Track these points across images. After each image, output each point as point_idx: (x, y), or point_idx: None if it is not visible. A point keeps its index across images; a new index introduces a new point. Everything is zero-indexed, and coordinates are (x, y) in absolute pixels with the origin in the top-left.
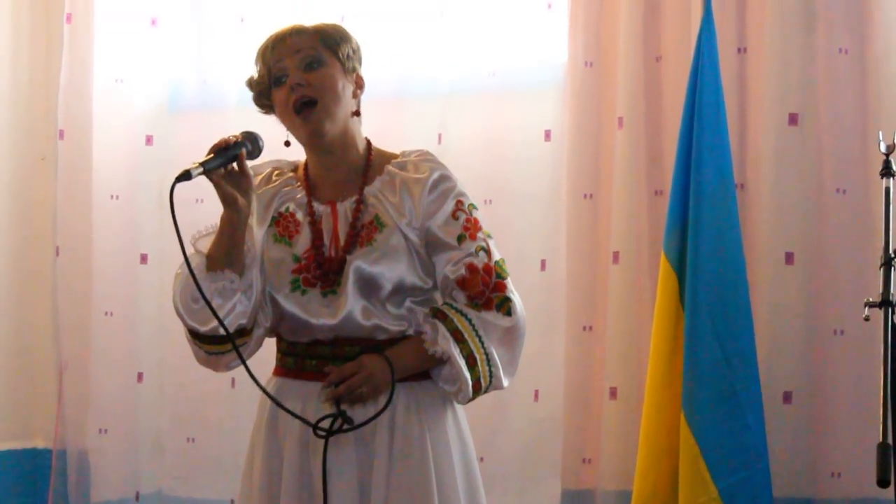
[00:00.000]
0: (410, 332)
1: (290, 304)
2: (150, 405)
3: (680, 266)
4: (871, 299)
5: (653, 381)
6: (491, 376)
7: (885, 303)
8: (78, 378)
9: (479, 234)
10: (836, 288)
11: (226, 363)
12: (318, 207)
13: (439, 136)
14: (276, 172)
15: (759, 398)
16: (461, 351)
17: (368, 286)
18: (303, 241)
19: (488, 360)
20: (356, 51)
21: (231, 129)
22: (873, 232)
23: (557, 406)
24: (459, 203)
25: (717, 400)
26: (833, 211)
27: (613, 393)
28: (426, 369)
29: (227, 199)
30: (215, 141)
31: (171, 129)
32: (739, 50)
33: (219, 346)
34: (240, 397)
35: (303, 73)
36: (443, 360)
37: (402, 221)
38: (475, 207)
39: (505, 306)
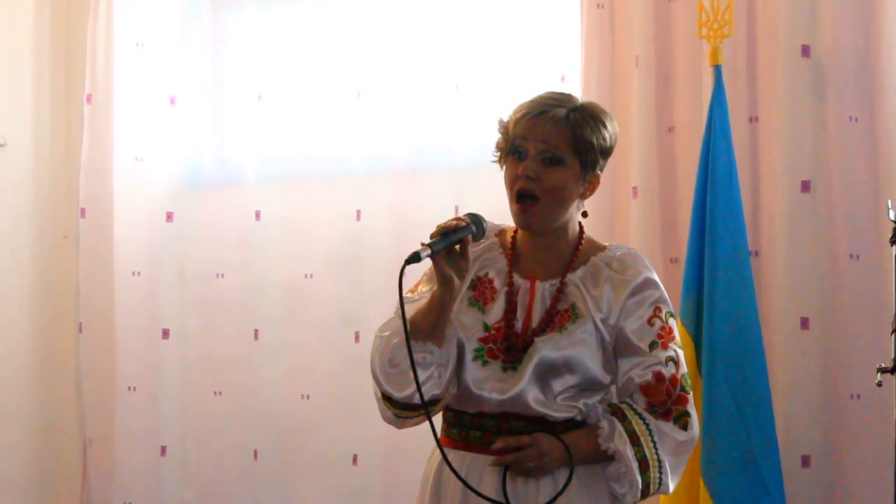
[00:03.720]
0: (578, 418)
1: (466, 373)
2: (174, 479)
3: (696, 333)
4: (883, 365)
5: None
6: (660, 483)
7: None
8: (102, 453)
9: (671, 345)
10: (851, 352)
11: (409, 425)
12: (518, 280)
13: (456, 207)
14: None
15: (778, 463)
16: (635, 454)
17: (547, 373)
18: (496, 310)
19: (660, 467)
20: (606, 149)
21: (250, 205)
22: (888, 296)
23: None
24: (657, 310)
25: (736, 465)
26: (847, 276)
27: None
28: (594, 463)
29: (443, 279)
30: (440, 223)
31: (191, 206)
32: (751, 119)
33: (410, 412)
34: (262, 470)
35: (537, 166)
36: (613, 458)
37: (598, 316)
38: (672, 315)
39: (682, 420)
